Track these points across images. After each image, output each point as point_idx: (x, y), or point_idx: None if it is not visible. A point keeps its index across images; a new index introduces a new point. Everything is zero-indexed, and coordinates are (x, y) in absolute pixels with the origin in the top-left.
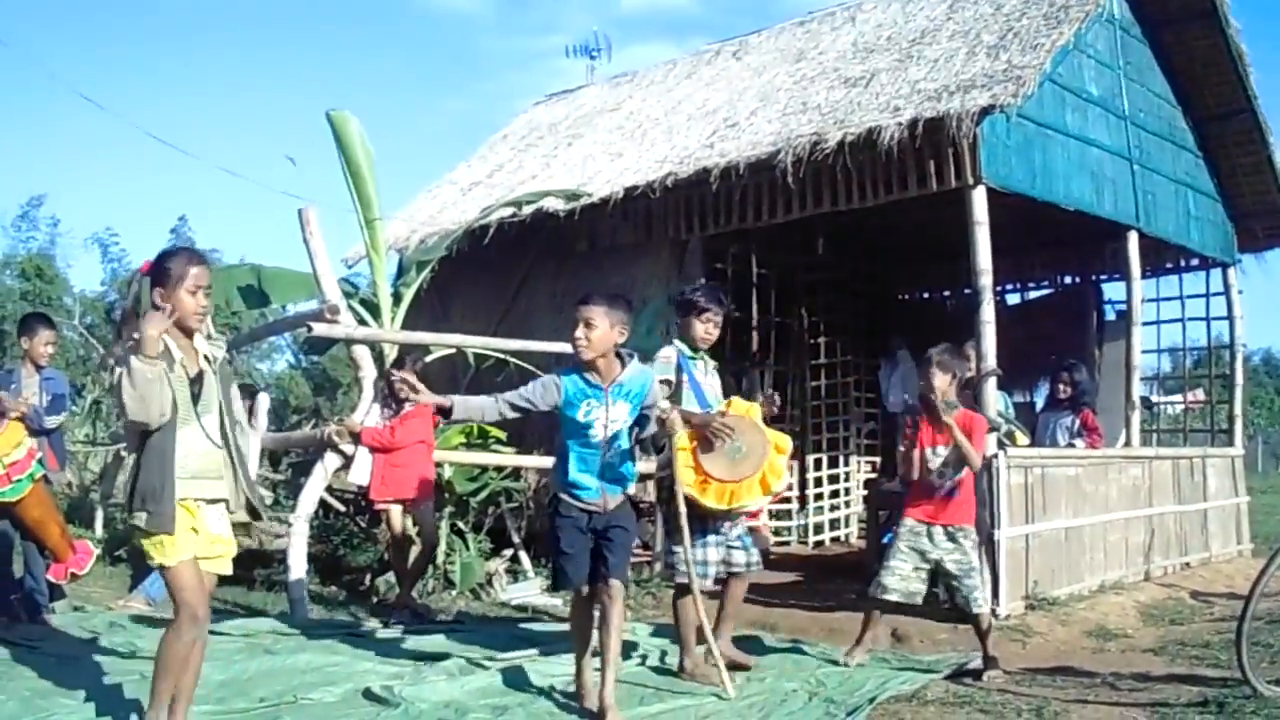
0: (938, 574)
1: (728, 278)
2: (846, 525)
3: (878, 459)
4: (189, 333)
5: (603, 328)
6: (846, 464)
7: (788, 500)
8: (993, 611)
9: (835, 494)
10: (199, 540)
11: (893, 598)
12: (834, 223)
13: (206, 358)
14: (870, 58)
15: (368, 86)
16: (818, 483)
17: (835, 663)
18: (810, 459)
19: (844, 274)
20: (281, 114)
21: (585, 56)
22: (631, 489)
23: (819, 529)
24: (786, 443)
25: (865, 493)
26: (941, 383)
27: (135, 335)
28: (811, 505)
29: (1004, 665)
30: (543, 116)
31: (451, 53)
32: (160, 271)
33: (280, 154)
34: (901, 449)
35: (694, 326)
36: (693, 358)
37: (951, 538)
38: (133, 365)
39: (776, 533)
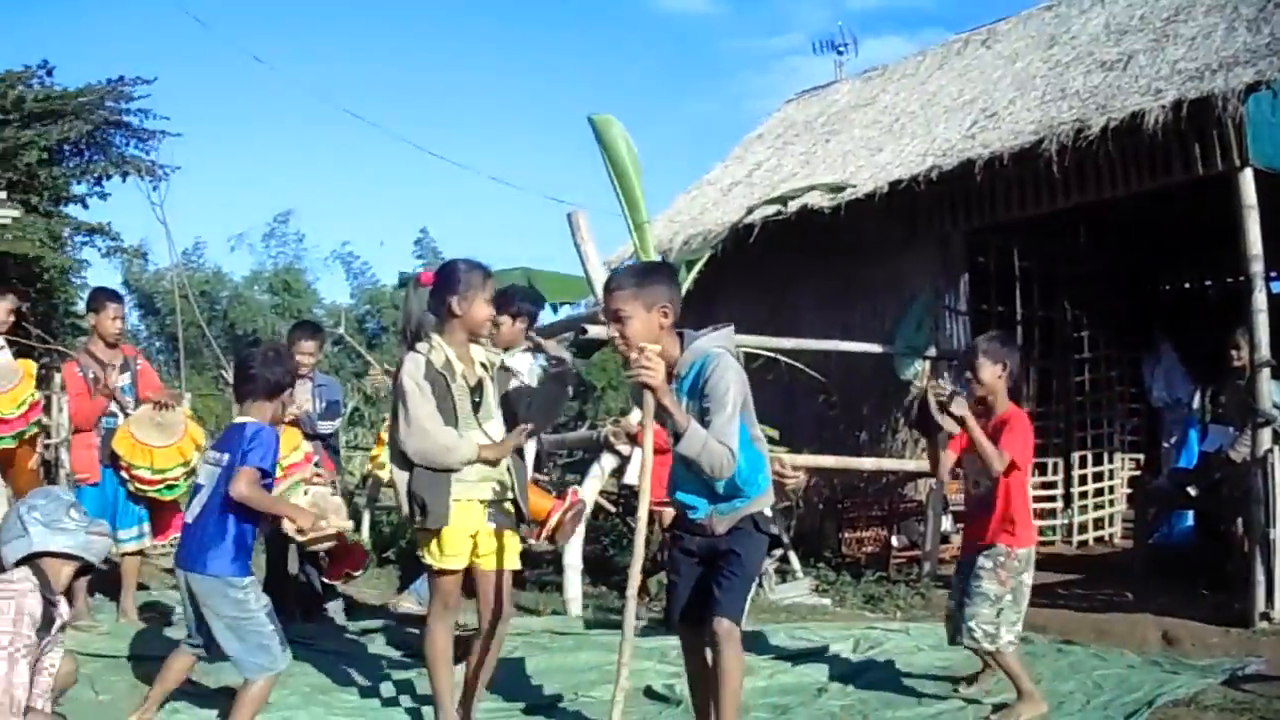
0: None
1: (990, 272)
2: (1110, 524)
3: (1141, 456)
4: (474, 341)
5: (637, 315)
6: (1110, 461)
7: (1052, 499)
8: (1267, 613)
9: (1099, 492)
10: (481, 542)
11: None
12: (1093, 212)
13: (484, 365)
14: (1125, 39)
15: (609, 92)
16: (1081, 480)
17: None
18: (1075, 456)
19: (1104, 265)
20: (528, 120)
21: (832, 52)
22: (750, 508)
23: (1083, 528)
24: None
25: (1129, 491)
26: (989, 374)
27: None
28: (1075, 504)
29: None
30: (796, 114)
31: (687, 55)
32: (455, 281)
33: (541, 157)
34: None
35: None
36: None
37: (975, 559)
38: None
39: (1041, 532)
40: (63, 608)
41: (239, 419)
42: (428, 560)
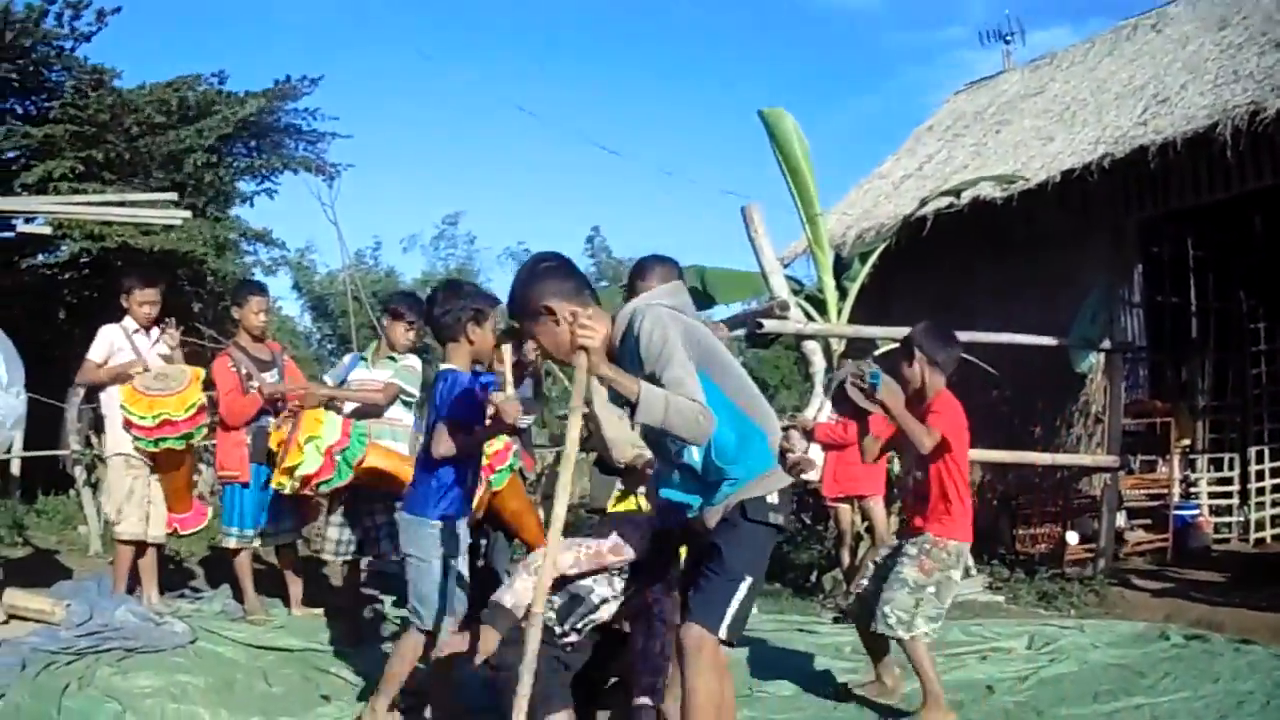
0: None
1: (1164, 261)
2: None
3: None
4: None
5: (545, 331)
6: None
7: (1228, 495)
8: None
9: (1277, 489)
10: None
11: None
12: (1270, 197)
13: None
14: None
15: (777, 86)
16: (1259, 476)
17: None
18: (1251, 451)
19: None
20: (700, 114)
21: (999, 43)
22: (742, 493)
23: (1260, 525)
24: None
25: None
26: (908, 370)
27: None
28: (1252, 500)
29: None
30: (965, 105)
31: (853, 50)
32: (645, 273)
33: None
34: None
35: (395, 330)
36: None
37: (903, 544)
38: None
39: (1216, 529)
40: None
41: (441, 367)
42: None
